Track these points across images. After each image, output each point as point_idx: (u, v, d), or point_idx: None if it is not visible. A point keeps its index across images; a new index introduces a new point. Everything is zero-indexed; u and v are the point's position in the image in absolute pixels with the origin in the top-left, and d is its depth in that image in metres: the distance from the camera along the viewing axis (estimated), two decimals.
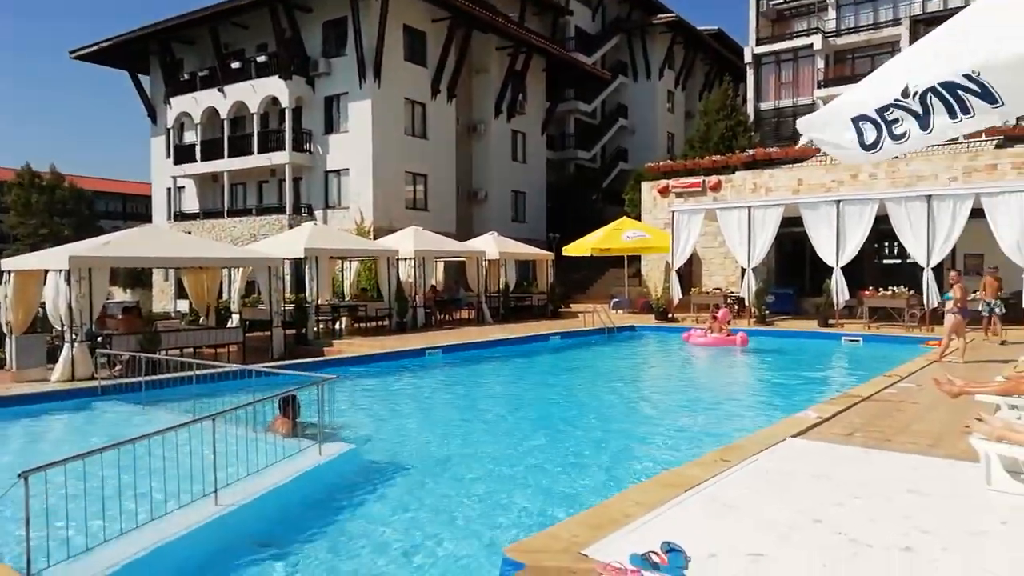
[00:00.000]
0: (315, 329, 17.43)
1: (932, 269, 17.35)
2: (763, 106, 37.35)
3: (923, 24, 31.69)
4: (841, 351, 16.67)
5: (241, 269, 16.43)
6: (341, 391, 10.11)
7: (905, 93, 3.50)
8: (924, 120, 3.32)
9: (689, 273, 23.54)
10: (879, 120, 3.31)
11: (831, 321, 18.79)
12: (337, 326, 19.22)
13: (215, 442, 5.18)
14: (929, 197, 17.45)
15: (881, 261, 21.74)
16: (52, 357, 12.65)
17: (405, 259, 20.27)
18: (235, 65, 29.94)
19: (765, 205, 20.17)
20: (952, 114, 3.25)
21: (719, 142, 30.49)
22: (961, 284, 12.32)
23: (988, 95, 3.19)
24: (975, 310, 13.93)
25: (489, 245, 23.46)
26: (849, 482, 5.37)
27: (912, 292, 18.28)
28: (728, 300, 21.48)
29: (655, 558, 3.80)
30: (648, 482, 5.37)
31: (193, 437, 5.32)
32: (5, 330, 13.20)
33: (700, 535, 4.21)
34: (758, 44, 37.63)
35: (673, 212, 21.94)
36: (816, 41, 35.55)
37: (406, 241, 20.65)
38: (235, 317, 16.31)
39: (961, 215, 16.97)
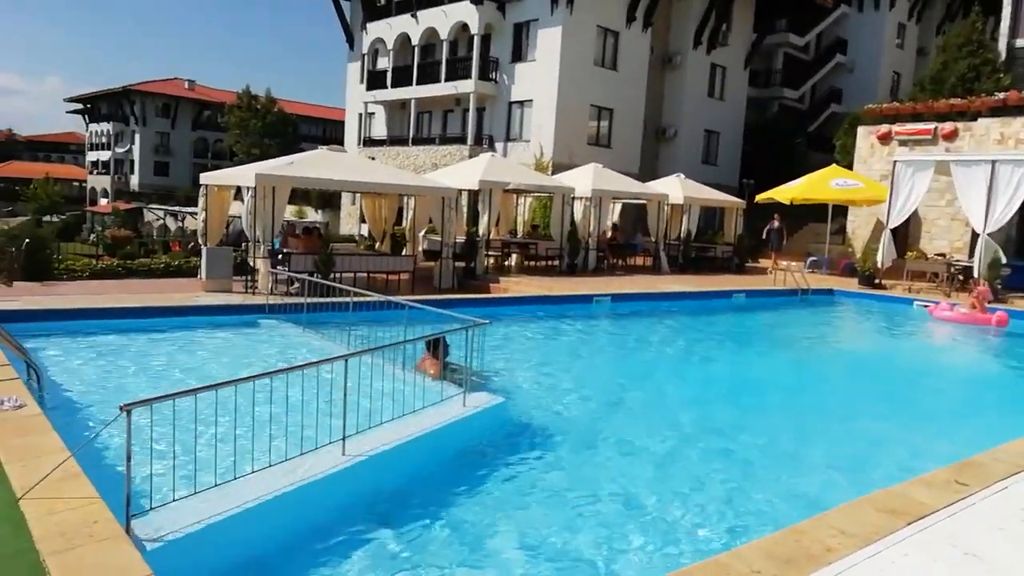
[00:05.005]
0: (484, 264, 17.09)
1: None
2: (1019, 43, 31.21)
3: None
4: None
5: (443, 197, 15.73)
6: (495, 333, 9.50)
7: None
8: None
9: (904, 234, 20.45)
10: None
11: None
12: (507, 263, 18.77)
13: (346, 383, 4.66)
14: None
15: None
16: (242, 271, 13.30)
17: (581, 198, 19.24)
18: None
19: (1017, 161, 16.71)
20: None
21: (957, 84, 25.89)
22: None
23: None
24: None
25: (673, 188, 21.72)
26: None
27: None
28: (952, 269, 18.38)
29: None
30: (858, 503, 4.12)
31: (335, 373, 4.86)
32: (201, 241, 14.07)
33: None
34: None
35: (895, 162, 18.90)
36: None
37: (584, 178, 19.56)
38: (408, 246, 16.35)
39: None
